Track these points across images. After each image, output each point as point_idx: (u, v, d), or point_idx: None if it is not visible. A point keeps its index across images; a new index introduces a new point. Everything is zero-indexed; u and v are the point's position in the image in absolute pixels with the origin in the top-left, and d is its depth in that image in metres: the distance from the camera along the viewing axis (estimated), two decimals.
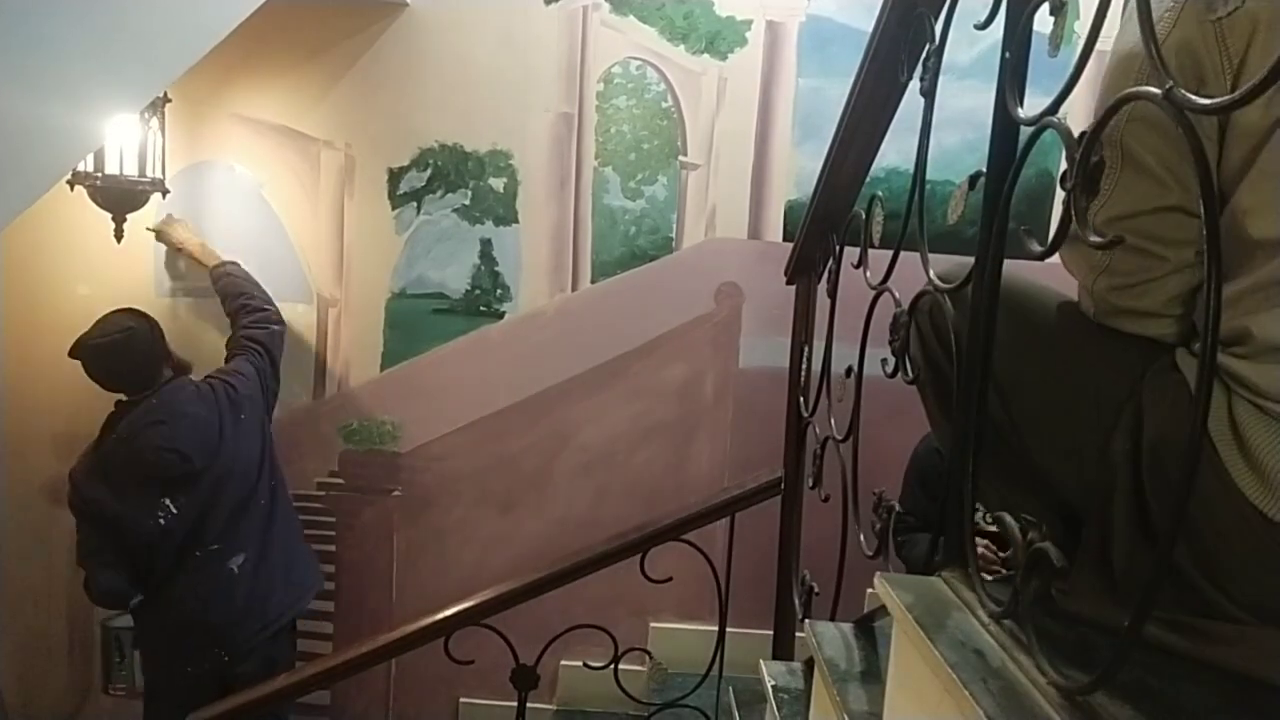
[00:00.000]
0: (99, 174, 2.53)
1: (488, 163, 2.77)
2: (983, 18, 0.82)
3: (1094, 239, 0.60)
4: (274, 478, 2.52)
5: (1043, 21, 0.72)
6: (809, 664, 1.45)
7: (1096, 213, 0.79)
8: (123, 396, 2.35)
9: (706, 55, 2.70)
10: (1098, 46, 0.63)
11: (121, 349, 2.28)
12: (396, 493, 2.90)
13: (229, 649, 2.38)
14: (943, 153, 2.53)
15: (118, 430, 2.30)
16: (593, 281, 2.81)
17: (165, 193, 2.67)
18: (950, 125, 2.52)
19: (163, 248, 2.84)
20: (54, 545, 2.91)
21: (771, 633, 1.94)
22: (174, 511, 2.28)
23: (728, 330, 2.79)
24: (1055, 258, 0.78)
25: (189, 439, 2.30)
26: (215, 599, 2.36)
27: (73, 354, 2.29)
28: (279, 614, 2.47)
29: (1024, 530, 0.65)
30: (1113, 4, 0.61)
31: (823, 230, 1.59)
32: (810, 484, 1.59)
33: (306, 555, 2.64)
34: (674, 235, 2.78)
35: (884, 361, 1.06)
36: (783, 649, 1.92)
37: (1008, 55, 0.78)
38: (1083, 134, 0.61)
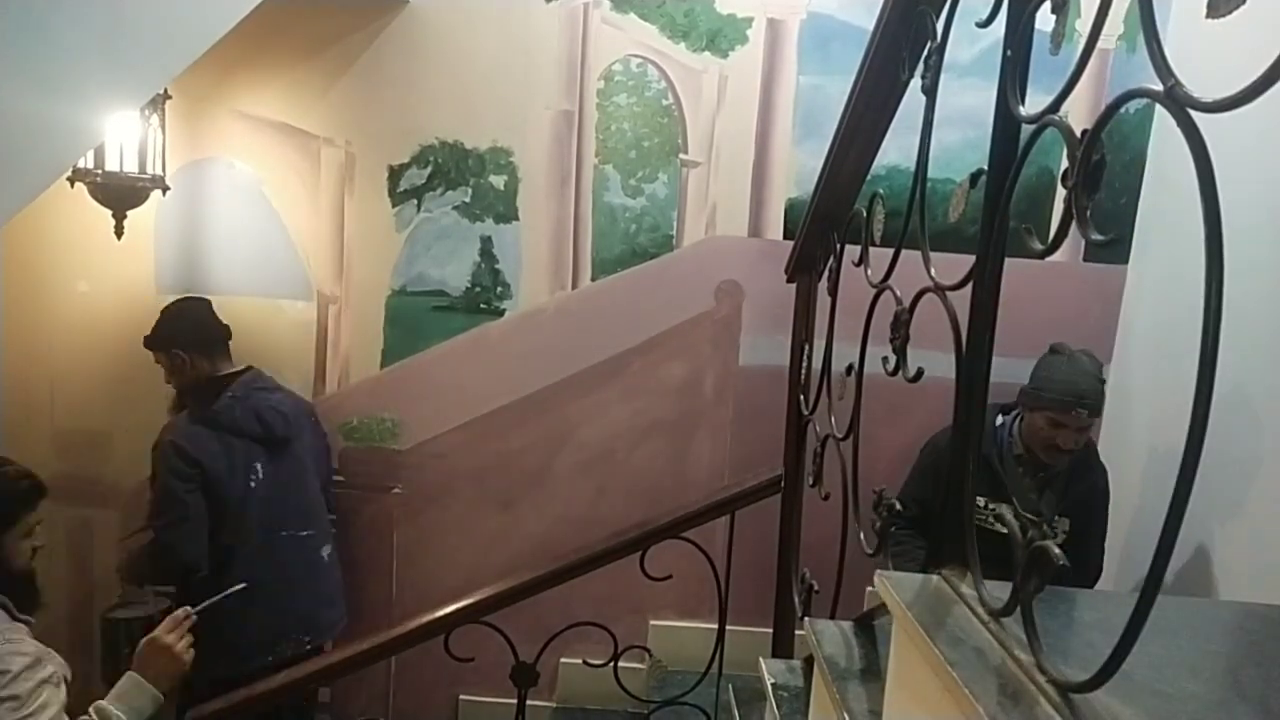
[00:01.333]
0: (99, 170, 2.52)
1: (488, 160, 2.76)
2: (984, 16, 0.82)
3: (1095, 236, 0.60)
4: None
5: (1044, 20, 0.72)
6: (809, 662, 1.45)
7: None
8: (220, 369, 2.49)
9: (707, 53, 2.70)
10: (1099, 45, 0.63)
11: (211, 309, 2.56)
12: (396, 490, 2.90)
13: (315, 635, 2.47)
14: (944, 151, 2.52)
15: (231, 390, 2.45)
16: (593, 279, 2.81)
17: (165, 189, 2.67)
18: (951, 123, 2.51)
19: (163, 244, 2.84)
20: (54, 540, 2.91)
21: (771, 631, 1.94)
22: (260, 476, 2.42)
23: (728, 328, 2.79)
24: (1055, 256, 0.78)
25: (290, 406, 2.54)
26: (305, 583, 2.48)
27: (179, 305, 2.52)
28: (341, 617, 2.61)
29: (1024, 529, 0.65)
30: (1114, 3, 0.61)
31: (823, 228, 1.59)
32: (810, 482, 1.59)
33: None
34: (674, 233, 2.78)
35: (885, 360, 1.06)
36: (782, 647, 1.92)
37: (1009, 53, 0.78)
38: (1084, 132, 0.61)
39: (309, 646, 2.46)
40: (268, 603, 2.37)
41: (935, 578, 0.85)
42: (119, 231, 2.62)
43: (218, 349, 2.52)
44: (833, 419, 1.45)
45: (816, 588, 1.60)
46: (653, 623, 2.83)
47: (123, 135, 2.54)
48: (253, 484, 2.41)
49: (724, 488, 2.29)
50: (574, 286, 2.81)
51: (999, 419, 2.19)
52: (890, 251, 1.09)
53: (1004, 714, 0.60)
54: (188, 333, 2.48)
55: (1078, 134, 0.62)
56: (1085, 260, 2.66)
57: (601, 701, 2.72)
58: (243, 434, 2.42)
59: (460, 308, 2.83)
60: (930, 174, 0.99)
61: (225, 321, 2.55)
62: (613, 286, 2.80)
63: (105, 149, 2.51)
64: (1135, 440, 2.50)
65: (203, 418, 2.42)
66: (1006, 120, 0.80)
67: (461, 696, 2.91)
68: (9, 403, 2.93)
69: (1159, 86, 0.54)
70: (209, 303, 2.56)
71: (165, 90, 2.62)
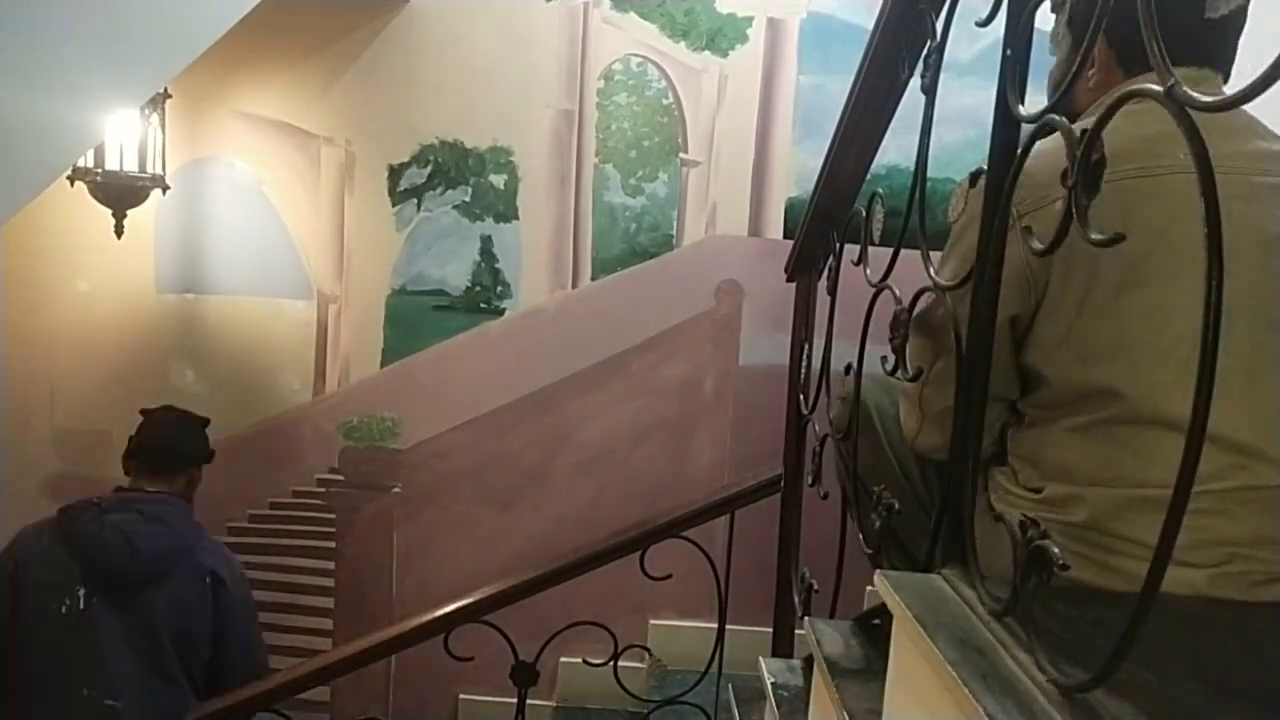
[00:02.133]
0: (99, 170, 2.52)
1: (488, 159, 2.76)
2: (984, 15, 0.82)
3: (1095, 236, 0.60)
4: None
5: (1044, 19, 0.72)
6: (808, 661, 1.45)
7: (924, 396, 1.08)
8: (127, 481, 2.19)
9: (707, 52, 2.69)
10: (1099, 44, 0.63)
11: (183, 425, 2.28)
12: (396, 489, 2.90)
13: None
14: (943, 150, 2.52)
15: (102, 502, 2.08)
16: (593, 278, 2.81)
17: (165, 189, 2.67)
18: (951, 122, 2.51)
19: (163, 244, 2.84)
20: None
21: (771, 630, 1.94)
22: (80, 607, 1.98)
23: (728, 327, 2.79)
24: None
25: (152, 547, 2.03)
26: None
27: (145, 412, 2.27)
28: None
29: (1024, 528, 0.65)
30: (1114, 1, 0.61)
31: (823, 227, 1.59)
32: (810, 481, 1.59)
33: None
34: (674, 232, 2.78)
35: (884, 359, 1.05)
36: (782, 646, 1.92)
37: (1009, 52, 0.77)
38: (1084, 131, 0.61)
39: None
40: None
41: (935, 577, 0.85)
42: (119, 231, 2.62)
43: (141, 467, 2.19)
44: (830, 419, 1.45)
45: (816, 587, 1.59)
46: (652, 622, 2.83)
47: (123, 134, 2.54)
48: (65, 610, 1.97)
49: (724, 487, 2.29)
50: (574, 286, 2.81)
51: None
52: (890, 251, 1.09)
53: (1004, 713, 0.60)
54: (147, 429, 2.25)
55: (1078, 133, 0.62)
56: None
57: (601, 701, 2.72)
58: (80, 550, 2.00)
59: (460, 307, 2.83)
60: (930, 173, 0.99)
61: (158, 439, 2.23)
62: (613, 286, 2.80)
63: (105, 148, 2.51)
64: None
65: (57, 516, 2.07)
66: (1006, 119, 0.80)
67: (461, 695, 2.91)
68: (9, 402, 2.93)
69: (1159, 86, 0.54)
70: (176, 421, 2.29)
71: (165, 89, 2.62)
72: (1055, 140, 0.68)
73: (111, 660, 1.99)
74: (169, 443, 2.23)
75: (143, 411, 2.30)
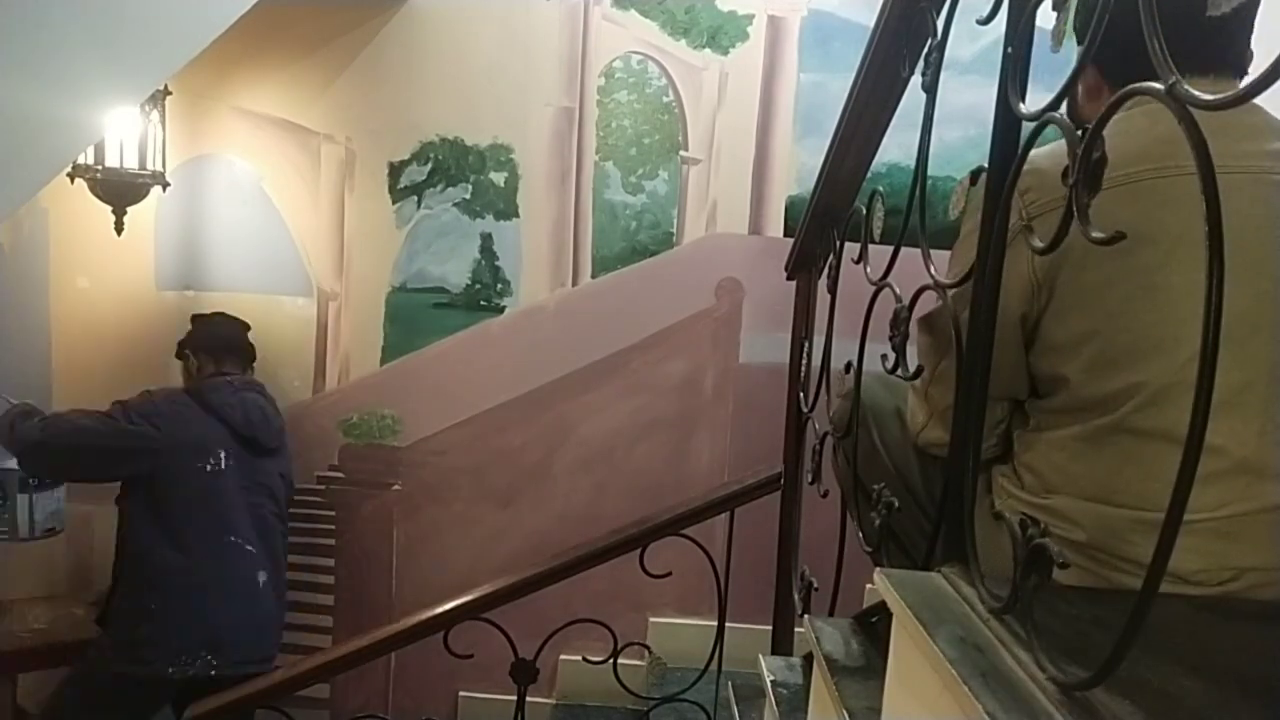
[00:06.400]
0: (99, 166, 2.52)
1: (488, 157, 2.76)
2: (985, 13, 0.82)
3: (1095, 235, 0.60)
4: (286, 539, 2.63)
5: (1045, 17, 0.72)
6: (808, 659, 1.45)
7: (929, 393, 1.08)
8: (225, 372, 2.54)
9: (708, 50, 2.69)
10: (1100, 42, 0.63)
11: (245, 326, 2.66)
12: (396, 487, 2.90)
13: (221, 661, 2.30)
14: (944, 148, 2.52)
15: (229, 378, 2.51)
16: (593, 276, 2.80)
17: (165, 186, 2.67)
18: (952, 121, 2.51)
19: (164, 241, 2.84)
20: None
21: (770, 628, 1.94)
22: (223, 466, 2.38)
23: (728, 325, 2.79)
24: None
25: (276, 419, 2.55)
26: (229, 599, 2.35)
27: (207, 315, 2.63)
28: (265, 654, 2.43)
29: (1024, 526, 0.65)
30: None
31: (823, 226, 1.59)
32: (809, 479, 1.59)
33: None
34: (675, 230, 2.78)
35: (884, 357, 1.05)
36: (782, 644, 1.92)
37: (1009, 51, 0.77)
38: (1085, 129, 0.61)
39: (213, 673, 2.27)
40: (183, 606, 2.29)
41: (935, 575, 0.85)
42: (119, 228, 2.62)
43: (228, 358, 2.56)
44: (831, 416, 1.45)
45: (816, 585, 1.59)
46: (652, 620, 2.83)
47: (123, 131, 2.54)
48: (209, 469, 2.36)
49: (723, 485, 2.29)
50: (574, 284, 2.81)
51: None
52: (890, 249, 1.09)
53: (1003, 712, 0.60)
54: (201, 338, 2.56)
55: (1078, 132, 0.62)
56: None
57: (601, 698, 2.72)
58: (221, 417, 2.41)
59: (460, 305, 2.83)
60: (930, 171, 0.99)
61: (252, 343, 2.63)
62: (613, 284, 2.80)
63: (105, 145, 2.51)
64: None
65: (189, 388, 2.49)
66: (1007, 118, 0.80)
67: (461, 693, 2.91)
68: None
69: (1160, 85, 0.54)
70: (241, 324, 2.63)
71: (165, 86, 2.62)
72: (1058, 151, 0.67)
73: (242, 512, 2.41)
74: (246, 340, 2.64)
75: (198, 317, 2.63)
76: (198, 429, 2.38)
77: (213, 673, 2.28)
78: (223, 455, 2.38)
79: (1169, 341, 0.88)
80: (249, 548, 2.40)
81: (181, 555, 2.31)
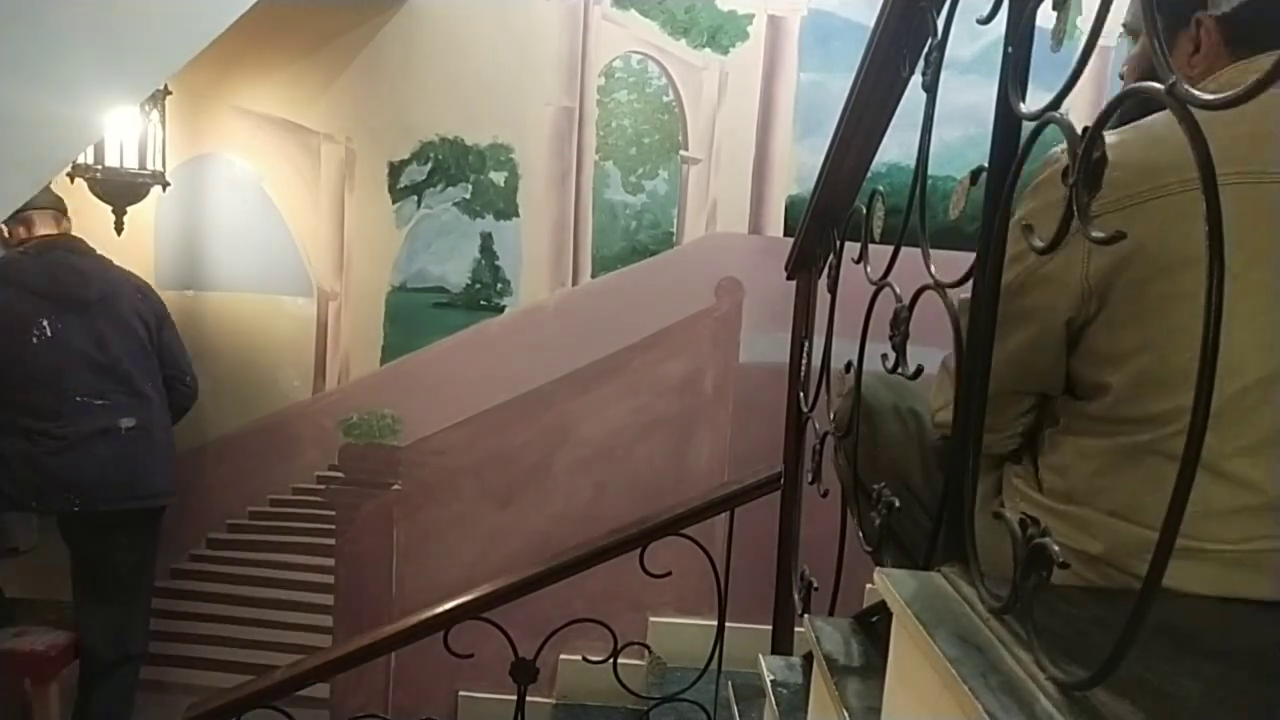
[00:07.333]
0: (99, 166, 2.52)
1: (488, 156, 2.76)
2: (985, 12, 0.82)
3: (1096, 234, 0.60)
4: (167, 383, 2.67)
5: (1045, 17, 0.72)
6: (808, 659, 1.45)
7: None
8: (36, 234, 2.52)
9: (708, 49, 2.69)
10: (1100, 42, 0.62)
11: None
12: (396, 486, 2.90)
13: (85, 499, 2.44)
14: (944, 148, 2.52)
15: (30, 246, 2.49)
16: (593, 276, 2.80)
17: (165, 185, 2.67)
18: (952, 120, 2.51)
19: (164, 241, 2.84)
20: (47, 525, 2.91)
21: (770, 628, 1.94)
22: (48, 334, 2.42)
23: (728, 325, 2.79)
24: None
25: (96, 271, 2.52)
26: (85, 448, 2.43)
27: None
28: (147, 490, 2.57)
29: (1024, 526, 0.65)
30: (1115, 0, 0.61)
31: (823, 225, 1.59)
32: (809, 479, 1.59)
33: (172, 462, 2.70)
34: (675, 230, 2.78)
35: (884, 357, 1.05)
36: (782, 644, 1.92)
37: (1010, 50, 0.77)
38: (1085, 129, 0.61)
39: (77, 508, 2.45)
40: (40, 457, 2.40)
41: (935, 575, 0.85)
42: (119, 227, 2.62)
43: (37, 222, 2.53)
44: (832, 416, 1.45)
45: (816, 585, 1.59)
46: (652, 619, 2.83)
47: (123, 131, 2.54)
48: (35, 340, 2.41)
49: (723, 485, 2.29)
50: (574, 283, 2.81)
51: None
52: (890, 249, 1.09)
53: (1003, 711, 0.60)
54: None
55: (1079, 131, 0.62)
56: None
57: (601, 698, 2.72)
58: (28, 288, 2.43)
59: (460, 304, 2.83)
60: (930, 171, 0.99)
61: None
62: (613, 283, 2.80)
63: (105, 145, 2.52)
64: None
65: None
66: (1007, 117, 0.79)
67: (461, 692, 2.91)
68: None
69: (1160, 84, 0.54)
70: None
71: (165, 86, 2.62)
72: (1149, 129, 0.62)
73: (84, 371, 2.46)
74: (51, 197, 2.57)
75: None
76: (12, 307, 2.42)
77: (76, 509, 2.45)
78: (45, 324, 2.42)
79: (1224, 370, 0.85)
80: (99, 402, 2.47)
81: (38, 421, 2.41)
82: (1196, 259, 0.53)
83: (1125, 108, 0.59)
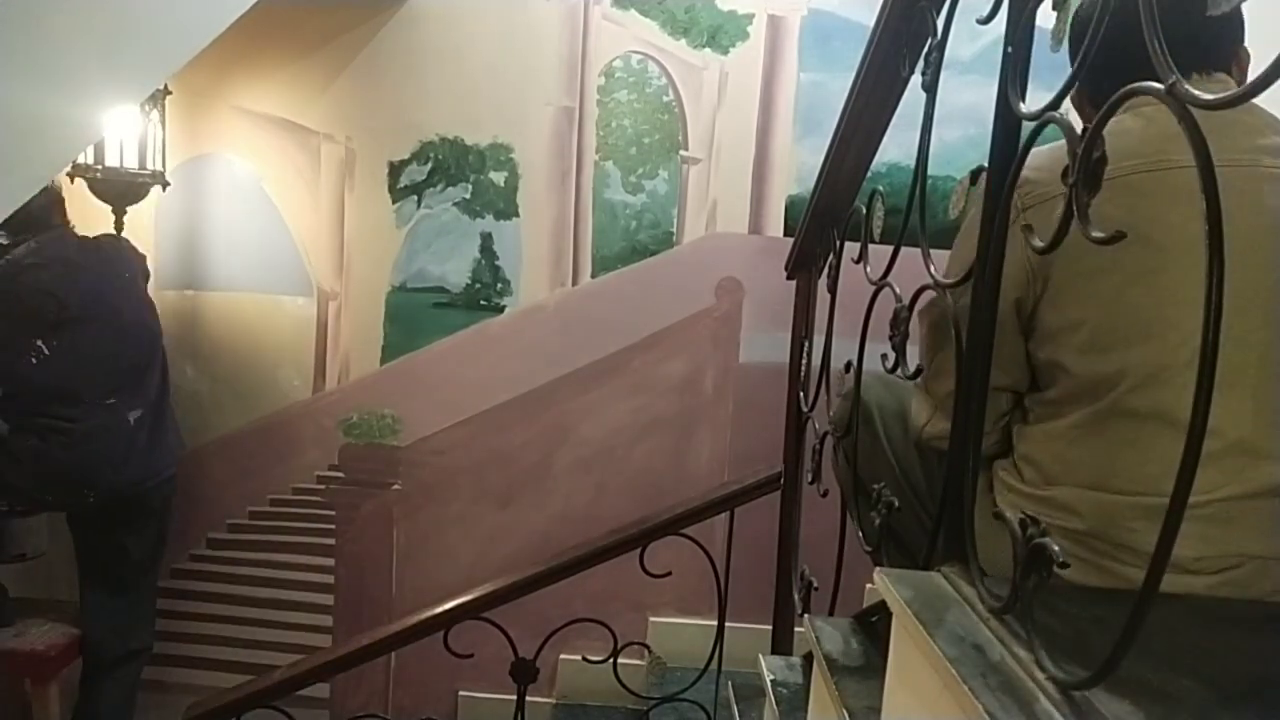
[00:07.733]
0: (99, 166, 2.52)
1: (488, 156, 2.76)
2: (985, 12, 0.82)
3: (1096, 234, 0.60)
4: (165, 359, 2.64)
5: (1045, 17, 0.72)
6: (808, 659, 1.45)
7: (930, 387, 1.11)
8: None
9: (708, 49, 2.69)
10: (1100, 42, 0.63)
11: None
12: (396, 486, 2.90)
13: (97, 490, 2.43)
14: (944, 148, 2.52)
15: (67, 233, 2.41)
16: (593, 276, 2.80)
17: (165, 185, 2.67)
18: (952, 120, 2.51)
19: (164, 240, 2.84)
20: (55, 528, 2.91)
21: (770, 627, 1.95)
22: (45, 353, 2.34)
23: (728, 325, 2.79)
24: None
25: (68, 286, 2.35)
26: (94, 443, 2.41)
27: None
28: (152, 472, 2.53)
29: (1024, 525, 0.65)
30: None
31: (823, 225, 1.59)
32: (809, 479, 1.59)
33: (178, 433, 2.71)
34: (675, 230, 2.78)
35: (884, 357, 1.06)
36: (782, 644, 1.93)
37: (1009, 50, 0.77)
38: (1085, 129, 0.61)
39: (92, 500, 2.44)
40: (50, 454, 2.36)
41: (935, 574, 0.85)
42: (119, 227, 2.62)
43: (34, 227, 2.37)
44: (831, 416, 1.45)
45: (816, 585, 1.60)
46: (652, 619, 2.83)
47: (123, 131, 2.54)
48: (35, 360, 2.34)
49: (723, 485, 2.29)
50: (574, 283, 2.81)
51: None
52: (890, 248, 1.09)
53: (1003, 711, 0.60)
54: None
55: (1079, 131, 0.62)
56: None
57: (601, 698, 2.72)
58: (8, 318, 2.33)
59: (460, 304, 2.83)
60: (930, 171, 0.99)
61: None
62: (613, 283, 2.80)
63: (105, 145, 2.51)
64: None
65: None
66: (1007, 117, 0.80)
67: (461, 692, 2.91)
68: None
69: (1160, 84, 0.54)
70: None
71: (165, 85, 2.62)
72: (1057, 148, 0.67)
73: (87, 380, 2.40)
74: (44, 202, 2.38)
75: None
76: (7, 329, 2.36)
77: (91, 500, 2.44)
78: (39, 345, 2.35)
79: (1159, 325, 0.90)
80: (108, 401, 2.44)
81: (51, 420, 2.38)
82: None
83: (1125, 108, 0.59)
